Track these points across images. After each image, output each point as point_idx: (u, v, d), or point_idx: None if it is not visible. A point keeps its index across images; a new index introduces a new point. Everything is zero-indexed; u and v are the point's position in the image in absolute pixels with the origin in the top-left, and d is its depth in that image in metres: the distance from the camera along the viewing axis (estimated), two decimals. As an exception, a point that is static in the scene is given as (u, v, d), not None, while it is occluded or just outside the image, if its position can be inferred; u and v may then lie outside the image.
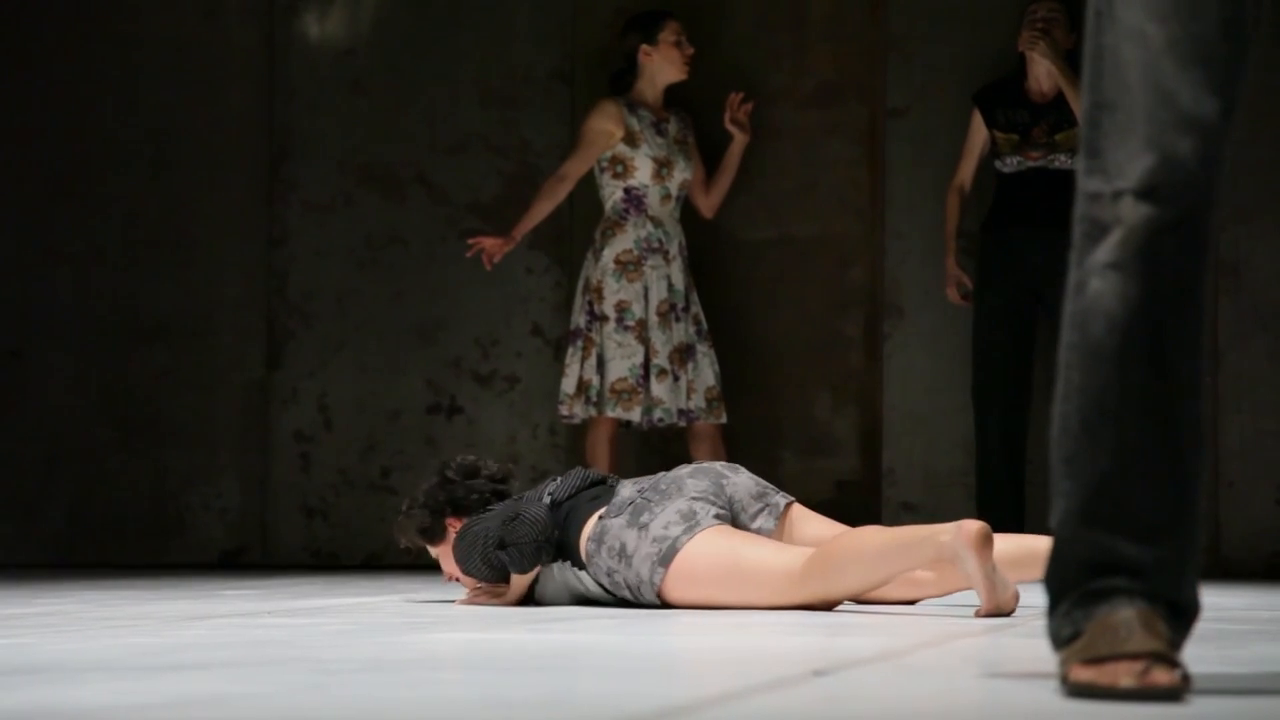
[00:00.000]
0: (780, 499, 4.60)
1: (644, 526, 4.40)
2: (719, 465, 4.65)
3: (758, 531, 4.52)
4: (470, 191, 7.86)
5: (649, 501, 4.45)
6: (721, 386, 7.27)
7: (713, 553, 4.34)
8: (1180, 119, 2.33)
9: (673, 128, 7.37)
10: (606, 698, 2.40)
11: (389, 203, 7.91)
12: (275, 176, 7.99)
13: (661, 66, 7.33)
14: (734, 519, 4.50)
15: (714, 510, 4.43)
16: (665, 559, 4.34)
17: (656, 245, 7.21)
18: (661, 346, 7.12)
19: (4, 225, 8.06)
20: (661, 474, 4.60)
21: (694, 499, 4.44)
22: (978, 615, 4.04)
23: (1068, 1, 7.09)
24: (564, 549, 4.52)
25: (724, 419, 7.24)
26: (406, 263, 7.89)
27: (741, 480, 4.59)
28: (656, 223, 7.24)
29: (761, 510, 4.55)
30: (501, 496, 4.76)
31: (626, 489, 4.56)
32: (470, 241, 7.30)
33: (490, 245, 7.22)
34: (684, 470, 4.59)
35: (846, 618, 4.10)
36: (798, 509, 4.62)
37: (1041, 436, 7.01)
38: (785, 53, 7.67)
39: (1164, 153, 2.33)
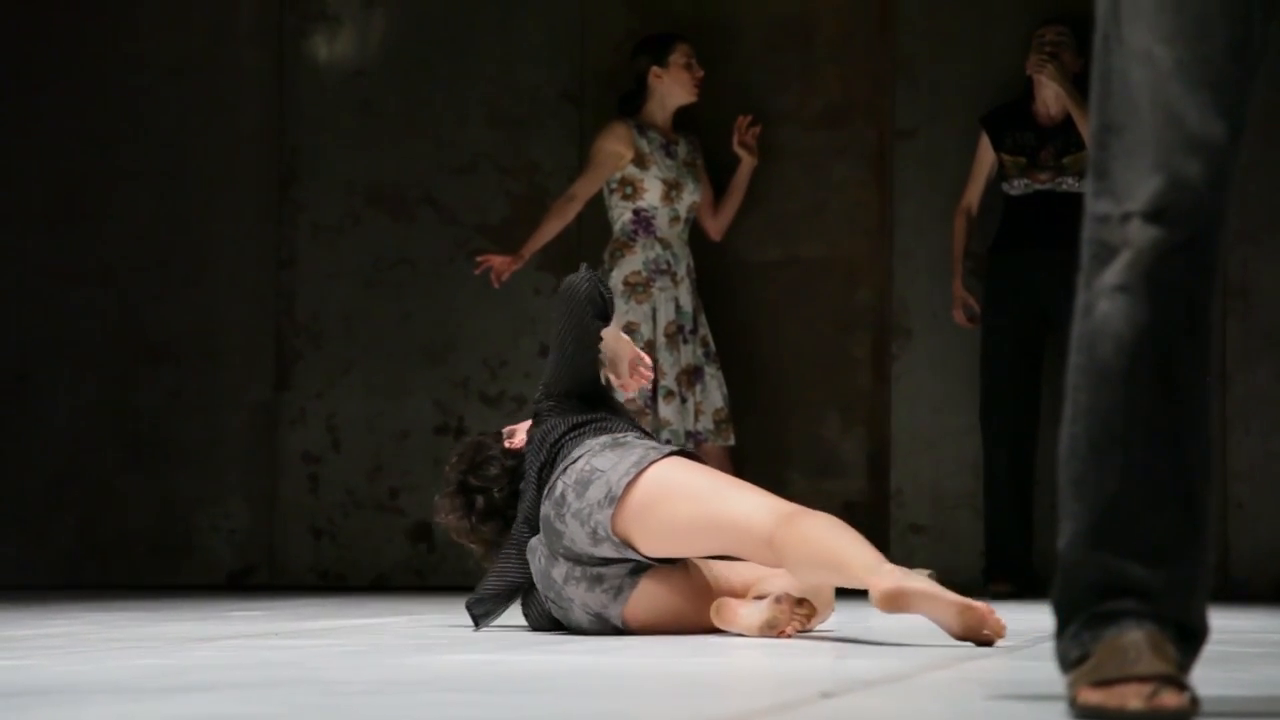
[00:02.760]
0: (602, 516, 4.18)
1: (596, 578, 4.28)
2: (551, 517, 4.26)
3: (609, 582, 4.24)
4: (478, 212, 7.86)
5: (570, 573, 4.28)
6: (730, 408, 7.27)
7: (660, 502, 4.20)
8: (1188, 141, 2.33)
9: (682, 150, 7.38)
10: (614, 719, 2.40)
11: (397, 224, 7.92)
12: (284, 197, 8.00)
13: (671, 88, 7.34)
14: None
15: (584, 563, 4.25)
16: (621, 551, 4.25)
17: (664, 267, 7.22)
18: (669, 368, 7.12)
19: (12, 246, 8.07)
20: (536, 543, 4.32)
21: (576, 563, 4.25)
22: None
23: (1075, 25, 7.09)
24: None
25: (732, 441, 7.24)
26: (414, 283, 7.89)
27: (574, 532, 4.22)
28: (665, 244, 7.25)
29: (603, 553, 4.22)
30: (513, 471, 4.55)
31: (537, 549, 4.30)
32: (479, 260, 7.31)
33: (499, 263, 7.24)
34: (541, 555, 4.30)
35: (853, 639, 4.09)
36: (632, 506, 4.19)
37: (1049, 458, 7.01)
38: (793, 75, 7.68)
39: (1172, 175, 2.33)
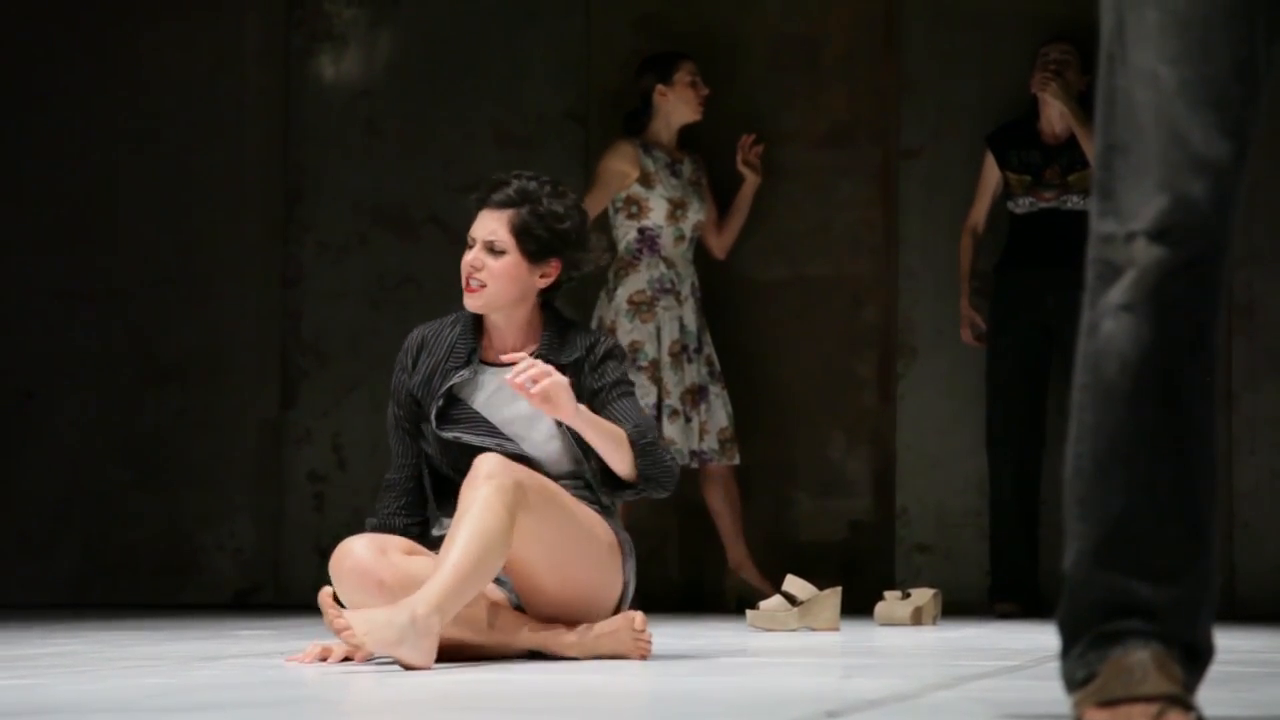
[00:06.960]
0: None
1: None
2: None
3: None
4: (484, 232, 7.85)
5: None
6: (735, 427, 7.27)
7: None
8: (1193, 161, 2.34)
9: (687, 169, 7.38)
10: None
11: (403, 243, 7.92)
12: (290, 217, 8.00)
13: (676, 107, 7.35)
14: None
15: None
16: None
17: (669, 286, 7.22)
18: (673, 387, 7.13)
19: (19, 266, 8.08)
20: None
21: None
22: None
23: (1080, 43, 7.09)
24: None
25: (737, 460, 7.24)
26: (420, 302, 7.89)
27: None
28: (669, 263, 7.25)
29: None
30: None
31: None
32: (486, 276, 7.31)
33: (505, 282, 7.23)
34: None
35: (858, 659, 4.09)
36: None
37: (1055, 477, 7.00)
38: (798, 94, 7.69)
39: (1177, 195, 2.33)
